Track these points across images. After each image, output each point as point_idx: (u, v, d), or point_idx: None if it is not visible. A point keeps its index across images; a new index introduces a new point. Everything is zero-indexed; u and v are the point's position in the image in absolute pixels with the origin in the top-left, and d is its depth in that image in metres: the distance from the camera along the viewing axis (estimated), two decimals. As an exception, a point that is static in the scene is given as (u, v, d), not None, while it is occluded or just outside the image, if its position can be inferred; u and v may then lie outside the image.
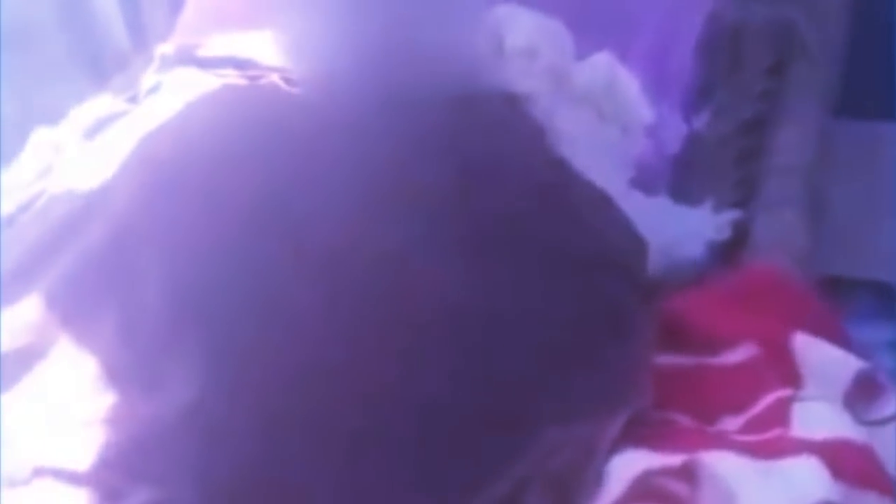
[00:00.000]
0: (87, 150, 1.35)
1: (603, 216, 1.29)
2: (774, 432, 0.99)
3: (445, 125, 1.24)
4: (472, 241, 1.15)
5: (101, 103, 1.53)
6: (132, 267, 1.04)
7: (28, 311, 1.04)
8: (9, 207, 1.35)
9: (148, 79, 1.44)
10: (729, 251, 1.41)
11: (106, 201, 1.10)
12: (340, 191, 1.12)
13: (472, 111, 1.28)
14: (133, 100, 1.45)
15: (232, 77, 1.31)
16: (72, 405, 0.98)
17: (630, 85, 1.47)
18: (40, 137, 1.67)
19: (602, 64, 1.46)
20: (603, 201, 1.31)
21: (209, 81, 1.26)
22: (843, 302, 1.30)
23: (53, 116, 1.74)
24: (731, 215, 1.44)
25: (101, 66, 2.02)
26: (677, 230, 1.39)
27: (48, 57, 2.00)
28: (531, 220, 1.21)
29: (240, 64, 1.33)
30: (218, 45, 1.39)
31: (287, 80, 1.28)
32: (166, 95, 1.29)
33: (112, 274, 1.04)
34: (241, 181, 1.08)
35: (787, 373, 1.06)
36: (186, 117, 1.16)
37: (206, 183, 1.08)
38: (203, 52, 1.39)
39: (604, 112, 1.46)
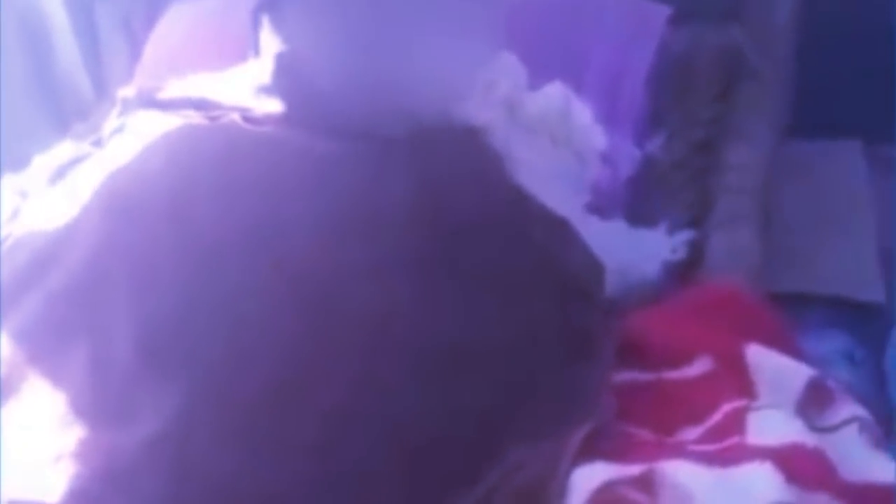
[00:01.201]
0: (52, 192, 1.37)
1: (560, 240, 1.33)
2: (731, 441, 1.02)
3: (406, 154, 1.27)
4: (433, 267, 1.18)
5: (65, 149, 1.55)
6: (98, 303, 1.06)
7: (-2, 348, 1.05)
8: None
9: (111, 122, 1.47)
10: (684, 270, 1.46)
11: (71, 240, 1.12)
12: (301, 220, 1.15)
13: (431, 140, 1.31)
14: (97, 144, 1.47)
15: (193, 117, 1.33)
16: (42, 440, 0.99)
17: (583, 112, 1.50)
18: (6, 184, 1.69)
19: (555, 93, 1.50)
20: (560, 226, 1.34)
21: (171, 122, 1.29)
22: (795, 315, 1.34)
23: (16, 164, 1.76)
24: (685, 236, 1.49)
25: (64, 113, 2.05)
26: (633, 252, 1.43)
27: (10, 104, 2.02)
28: (490, 244, 1.24)
29: (200, 104, 1.36)
30: (178, 87, 1.42)
31: (246, 119, 1.31)
32: (129, 137, 1.31)
33: (79, 310, 1.06)
34: (203, 215, 1.11)
35: (742, 384, 1.09)
36: (149, 155, 1.19)
37: (169, 218, 1.10)
38: (163, 95, 1.41)
39: (558, 139, 1.50)
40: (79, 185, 1.24)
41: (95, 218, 1.12)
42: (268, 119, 1.32)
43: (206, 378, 1.03)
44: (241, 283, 1.08)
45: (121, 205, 1.13)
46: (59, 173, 1.46)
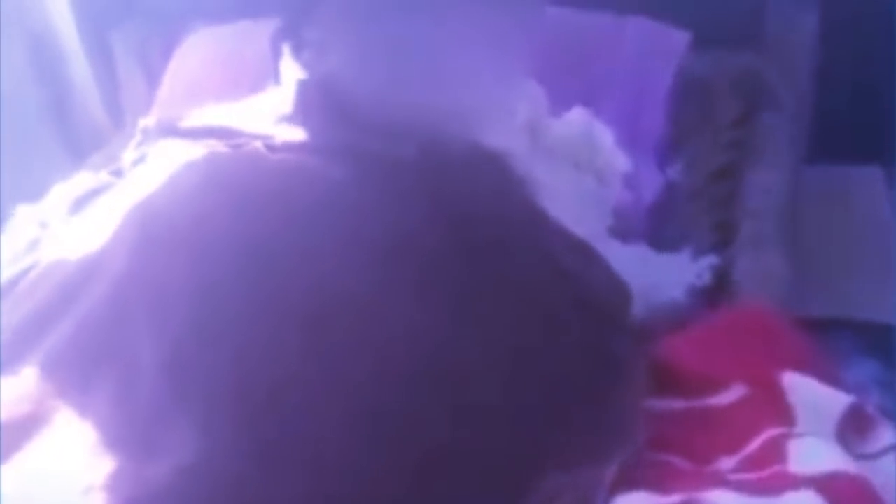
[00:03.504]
0: (75, 222, 1.35)
1: (585, 264, 1.31)
2: (772, 469, 1.00)
3: (429, 179, 1.26)
4: (458, 292, 1.17)
5: (84, 179, 1.54)
6: (126, 332, 1.05)
7: (26, 381, 1.04)
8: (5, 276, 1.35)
9: (132, 152, 1.46)
10: (711, 296, 1.44)
11: (97, 269, 1.10)
12: (325, 248, 1.13)
13: (454, 165, 1.30)
14: (117, 174, 1.46)
15: (215, 146, 1.32)
16: (72, 473, 0.98)
17: (605, 136, 1.50)
18: (24, 214, 1.68)
19: (577, 118, 1.50)
20: (584, 250, 1.33)
21: (194, 150, 1.28)
22: (824, 341, 1.32)
23: (33, 194, 1.75)
24: (710, 261, 1.47)
25: (79, 142, 2.04)
26: (657, 277, 1.42)
27: (25, 134, 2.01)
28: (515, 269, 1.23)
29: (221, 133, 1.35)
30: (199, 116, 1.41)
31: (268, 147, 1.30)
32: (152, 165, 1.30)
33: (106, 340, 1.05)
34: (230, 243, 1.09)
35: (780, 410, 1.07)
36: (174, 183, 1.18)
37: (196, 247, 1.09)
38: (185, 124, 1.40)
39: (580, 164, 1.49)
40: (102, 214, 1.22)
41: (120, 249, 1.11)
42: (289, 147, 1.31)
43: (233, 406, 1.01)
44: (265, 312, 1.06)
45: (146, 235, 1.12)
46: (79, 204, 1.45)
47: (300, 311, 1.08)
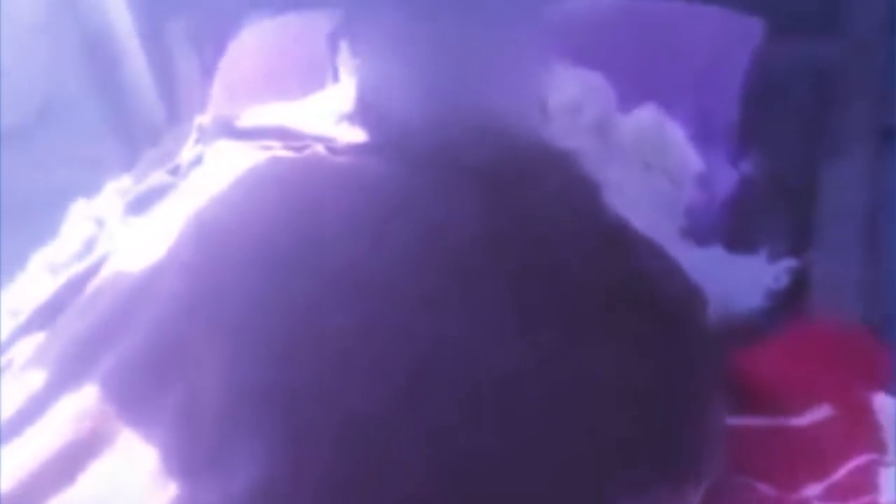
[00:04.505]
0: (134, 228, 1.33)
1: (659, 269, 1.26)
2: (862, 500, 0.94)
3: (500, 186, 1.21)
4: (529, 304, 1.12)
5: (141, 176, 1.52)
6: (188, 348, 1.01)
7: (86, 401, 1.00)
8: (54, 285, 1.33)
9: (189, 151, 1.43)
10: (788, 299, 1.38)
11: (157, 284, 1.07)
12: (394, 259, 1.09)
13: (521, 166, 1.25)
14: (174, 172, 1.43)
15: (274, 147, 1.29)
16: (136, 496, 0.95)
17: (677, 134, 1.44)
18: (80, 211, 1.66)
19: (647, 116, 1.44)
20: (658, 254, 1.27)
21: (253, 154, 1.24)
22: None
23: (88, 189, 1.73)
24: (788, 262, 1.41)
25: (134, 136, 2.02)
26: (733, 281, 1.36)
27: (80, 128, 2.00)
28: (589, 276, 1.17)
29: (280, 134, 1.31)
30: (256, 115, 1.37)
31: (329, 149, 1.26)
32: (211, 169, 1.27)
33: (167, 358, 1.01)
34: (294, 255, 1.05)
35: (870, 435, 1.01)
36: (236, 192, 1.14)
37: (261, 259, 1.05)
38: (242, 123, 1.36)
39: (651, 163, 1.44)
40: (163, 221, 1.19)
41: (183, 260, 1.07)
42: (351, 149, 1.27)
43: (304, 426, 0.97)
44: (332, 325, 1.02)
45: (208, 247, 1.08)
46: (137, 204, 1.42)
47: (368, 326, 1.04)
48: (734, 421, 1.09)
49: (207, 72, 1.87)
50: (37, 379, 1.03)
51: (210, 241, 1.08)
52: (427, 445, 0.98)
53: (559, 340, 1.10)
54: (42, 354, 1.08)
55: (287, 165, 1.18)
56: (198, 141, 1.42)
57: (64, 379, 1.02)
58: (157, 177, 1.44)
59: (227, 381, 0.99)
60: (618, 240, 1.25)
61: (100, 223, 1.53)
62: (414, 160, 1.22)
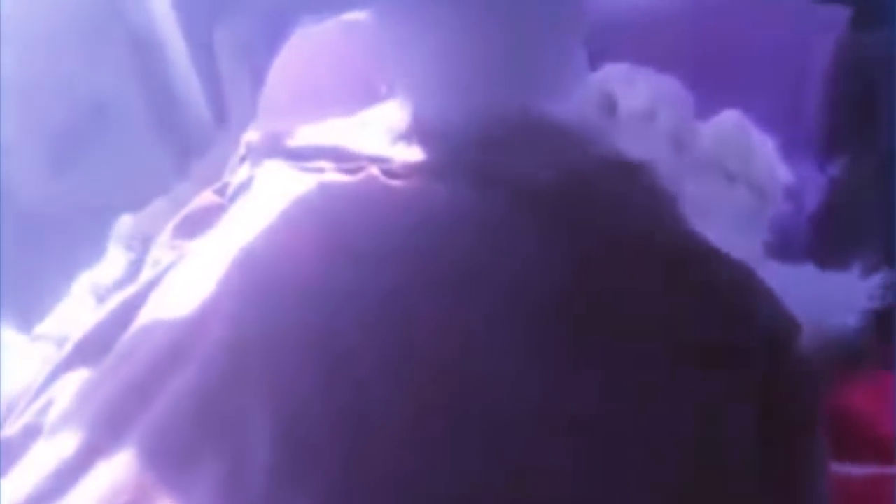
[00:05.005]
0: (180, 257, 1.25)
1: (746, 294, 1.15)
2: None
3: (571, 209, 1.12)
4: (600, 348, 1.02)
5: (187, 195, 1.45)
6: (232, 409, 0.92)
7: (122, 471, 0.92)
8: (98, 315, 1.26)
9: (237, 172, 1.35)
10: (885, 319, 1.27)
11: (200, 335, 0.98)
12: (460, 297, 1.00)
13: (597, 188, 1.16)
14: (221, 192, 1.35)
15: (328, 170, 1.20)
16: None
17: (763, 143, 1.33)
18: (125, 228, 1.59)
19: (729, 122, 1.33)
20: (744, 276, 1.17)
21: (302, 180, 1.15)
22: None
23: (133, 203, 1.67)
24: (884, 277, 1.29)
25: (184, 144, 1.95)
26: (826, 302, 1.25)
27: (126, 138, 1.94)
28: (662, 304, 1.07)
29: (333, 154, 1.22)
30: (308, 133, 1.28)
31: (385, 172, 1.16)
32: (259, 195, 1.18)
33: (210, 419, 0.92)
34: (355, 303, 0.96)
35: None
36: (284, 228, 1.05)
37: (314, 306, 0.96)
38: (293, 142, 1.28)
39: (734, 175, 1.33)
40: (207, 258, 1.10)
41: (228, 310, 0.98)
42: (408, 170, 1.17)
43: (364, 491, 0.89)
44: (397, 374, 0.93)
45: (256, 293, 0.99)
46: (184, 225, 1.35)
47: (435, 373, 0.94)
48: (836, 468, 1.00)
49: (257, 79, 1.79)
50: (69, 443, 0.95)
51: (257, 286, 0.99)
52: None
53: (642, 379, 1.01)
54: (76, 411, 1.00)
55: (337, 193, 1.09)
56: (244, 158, 1.34)
57: (98, 444, 0.93)
58: (206, 197, 1.36)
59: (277, 445, 0.90)
60: (700, 262, 1.15)
61: (145, 242, 1.46)
62: (475, 182, 1.13)
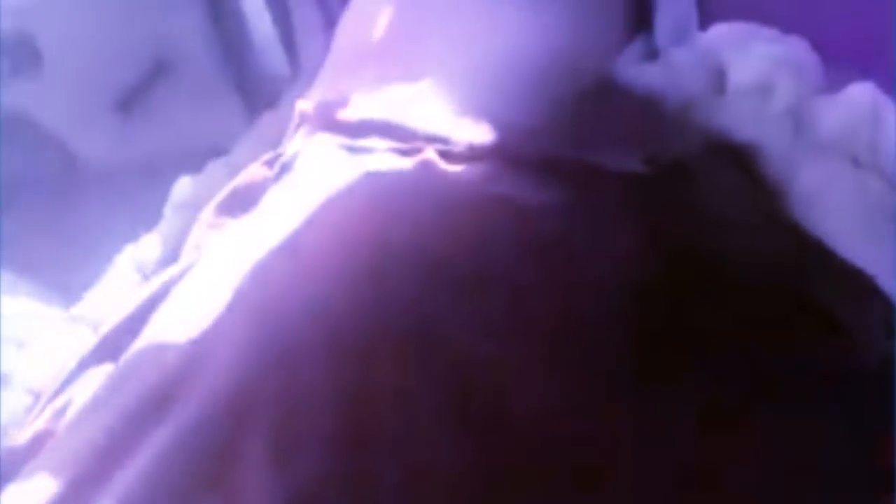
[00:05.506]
0: (216, 243, 1.11)
1: (863, 313, 0.97)
2: None
3: (643, 201, 0.95)
4: (669, 357, 0.85)
5: (239, 164, 1.31)
6: (230, 460, 0.77)
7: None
8: (130, 304, 1.13)
9: (290, 143, 1.20)
10: None
11: (197, 368, 0.81)
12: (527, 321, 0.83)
13: (678, 176, 0.99)
14: (270, 164, 1.21)
15: (379, 150, 1.04)
16: None
17: (896, 120, 1.11)
18: (182, 193, 1.46)
19: (860, 98, 1.11)
20: (864, 290, 0.98)
21: (349, 164, 1.00)
22: None
23: (204, 153, 1.55)
24: None
25: (255, 95, 1.81)
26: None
27: (198, 85, 1.81)
28: (757, 326, 0.90)
29: (388, 130, 1.06)
30: (364, 104, 1.12)
31: (444, 155, 1.00)
32: (297, 184, 1.03)
33: (204, 473, 0.76)
34: (388, 333, 0.79)
35: None
36: (312, 237, 0.89)
37: (337, 332, 0.79)
38: (346, 115, 1.12)
39: (862, 160, 1.12)
40: (221, 265, 0.95)
41: (234, 335, 0.82)
42: (473, 153, 1.01)
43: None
44: (445, 426, 0.77)
45: (267, 318, 0.82)
46: (229, 201, 1.21)
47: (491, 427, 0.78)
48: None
49: (330, 24, 1.63)
50: (45, 488, 0.80)
51: (272, 308, 0.83)
52: None
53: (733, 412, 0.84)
54: (57, 451, 0.86)
55: (385, 188, 0.93)
56: (299, 131, 1.19)
57: (76, 493, 0.79)
58: (254, 170, 1.22)
59: (279, 480, 0.75)
60: (799, 271, 0.97)
61: (196, 209, 1.32)
62: (546, 171, 0.96)
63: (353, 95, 1.15)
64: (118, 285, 1.30)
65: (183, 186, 1.46)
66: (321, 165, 1.03)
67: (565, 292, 0.86)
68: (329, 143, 1.09)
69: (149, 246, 1.33)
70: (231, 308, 0.85)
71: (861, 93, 1.10)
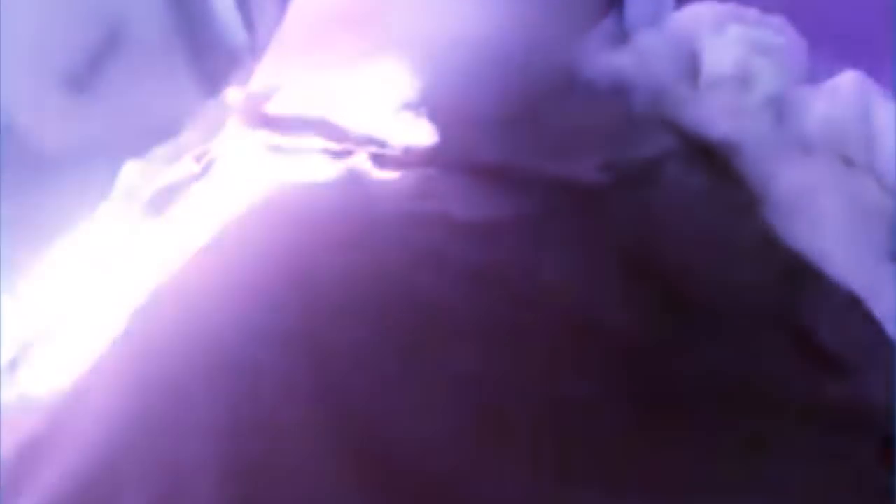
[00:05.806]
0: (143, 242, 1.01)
1: (849, 341, 0.87)
2: None
3: (623, 215, 0.86)
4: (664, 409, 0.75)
5: (166, 157, 1.21)
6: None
7: None
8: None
9: (217, 138, 1.10)
10: None
11: (77, 415, 0.72)
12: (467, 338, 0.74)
13: (644, 181, 0.88)
14: (199, 159, 1.11)
15: (309, 150, 0.94)
16: None
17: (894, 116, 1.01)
18: (128, 178, 1.37)
19: (849, 88, 1.00)
20: (851, 311, 0.89)
21: (268, 172, 0.90)
22: None
23: (164, 125, 1.46)
24: None
25: (214, 70, 1.71)
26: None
27: (154, 59, 1.72)
28: (743, 370, 0.80)
29: (320, 128, 0.96)
30: (299, 97, 1.02)
31: (378, 160, 0.90)
32: (210, 192, 0.93)
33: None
34: (279, 372, 0.69)
35: None
36: (212, 258, 0.79)
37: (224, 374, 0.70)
38: (276, 110, 1.02)
39: (853, 157, 1.01)
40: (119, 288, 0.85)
41: (112, 384, 0.72)
42: (410, 158, 0.90)
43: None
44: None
45: (149, 367, 0.72)
46: (155, 203, 1.11)
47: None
48: None
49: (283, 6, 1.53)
50: None
51: (155, 349, 0.73)
52: None
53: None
54: None
55: (303, 204, 0.83)
56: (228, 126, 1.09)
57: None
58: (181, 167, 1.12)
59: None
60: (779, 293, 0.87)
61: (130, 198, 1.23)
62: (497, 177, 0.86)
63: (291, 83, 1.05)
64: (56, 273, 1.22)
65: (131, 168, 1.37)
66: (240, 171, 0.93)
67: (489, 332, 0.76)
68: (255, 140, 0.98)
69: (88, 235, 1.25)
70: (109, 353, 0.75)
71: (853, 82, 1.00)
